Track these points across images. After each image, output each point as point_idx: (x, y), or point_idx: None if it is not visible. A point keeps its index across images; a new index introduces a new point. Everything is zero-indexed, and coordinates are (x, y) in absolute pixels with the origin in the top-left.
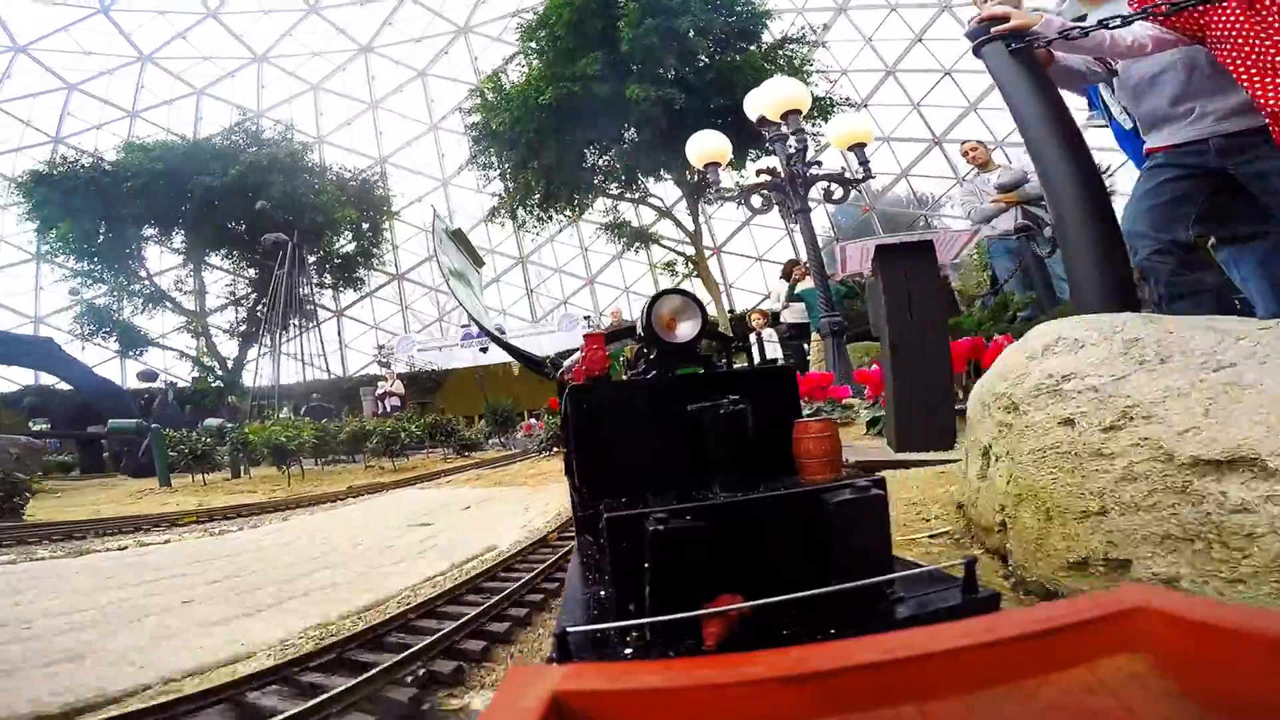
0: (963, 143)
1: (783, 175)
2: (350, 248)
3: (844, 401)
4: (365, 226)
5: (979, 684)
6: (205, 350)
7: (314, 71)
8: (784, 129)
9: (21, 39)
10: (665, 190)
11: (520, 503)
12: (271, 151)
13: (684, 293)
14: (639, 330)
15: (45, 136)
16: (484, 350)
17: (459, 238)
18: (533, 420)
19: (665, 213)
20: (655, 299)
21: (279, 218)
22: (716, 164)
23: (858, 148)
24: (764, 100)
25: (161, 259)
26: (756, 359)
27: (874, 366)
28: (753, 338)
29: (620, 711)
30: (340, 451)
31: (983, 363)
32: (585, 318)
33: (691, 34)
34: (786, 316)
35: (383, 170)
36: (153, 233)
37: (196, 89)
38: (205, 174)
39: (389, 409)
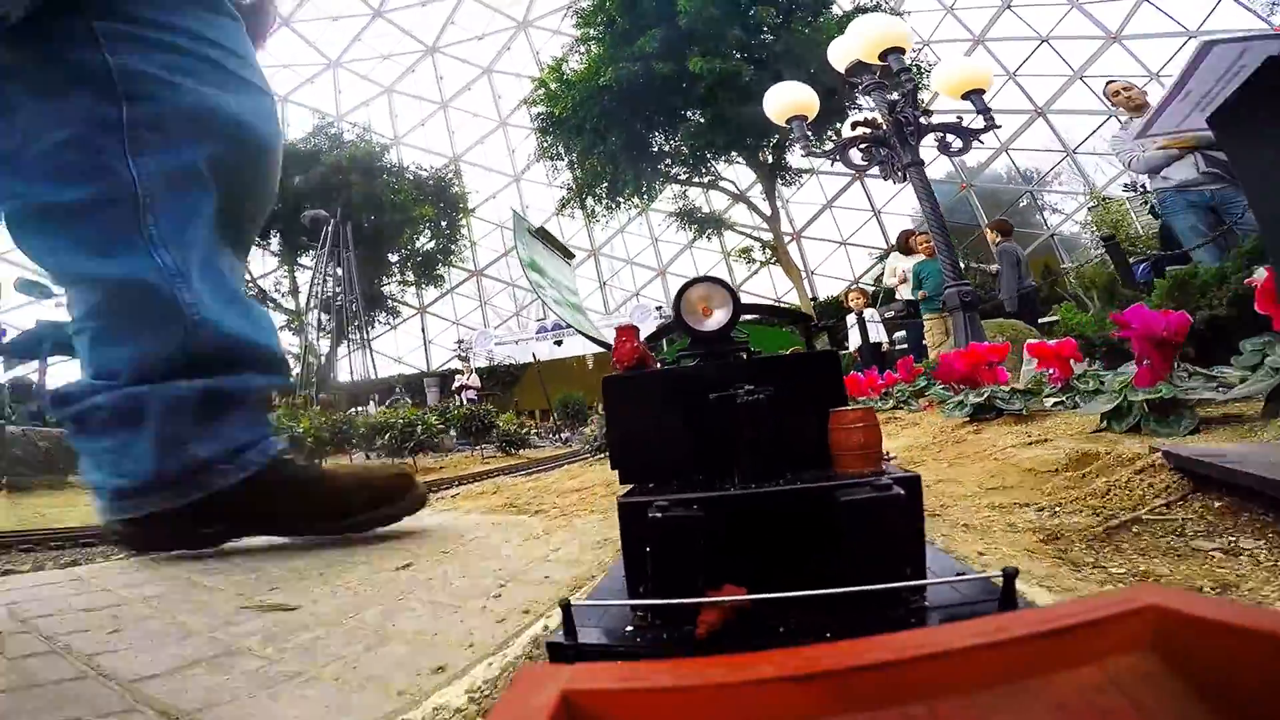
0: (1108, 83)
1: (885, 127)
2: (430, 245)
3: (1013, 385)
4: (444, 224)
5: (988, 682)
6: (304, 347)
7: (386, 74)
8: (884, 73)
9: None
10: (736, 174)
11: (505, 565)
12: (350, 152)
13: (714, 279)
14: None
15: None
16: (559, 344)
17: (543, 235)
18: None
19: (740, 197)
20: (685, 287)
21: (361, 218)
22: (803, 118)
23: (975, 94)
24: (856, 41)
25: (264, 261)
26: (856, 342)
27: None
28: (851, 319)
29: (629, 710)
30: (359, 447)
31: None
32: (657, 308)
33: (754, 6)
34: (904, 292)
35: (456, 168)
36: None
37: (280, 96)
38: (290, 176)
39: (465, 401)
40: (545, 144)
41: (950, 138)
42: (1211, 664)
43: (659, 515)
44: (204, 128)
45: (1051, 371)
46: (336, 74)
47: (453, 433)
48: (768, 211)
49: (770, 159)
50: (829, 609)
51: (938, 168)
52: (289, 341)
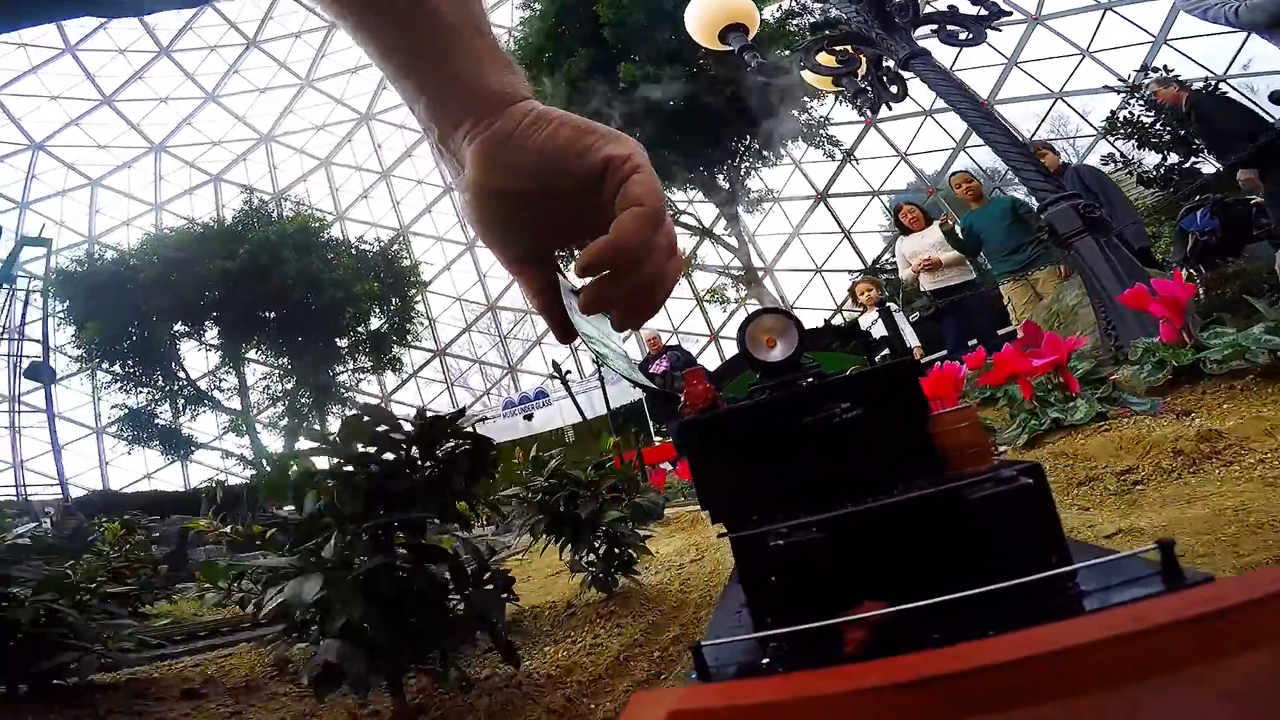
0: None
1: (859, 29)
2: (383, 326)
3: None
4: (394, 300)
5: (1136, 675)
6: (253, 448)
7: (321, 146)
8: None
9: (36, 135)
10: (696, 210)
11: None
12: (281, 226)
13: (778, 310)
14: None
15: (79, 236)
16: (528, 418)
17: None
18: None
19: (706, 232)
20: (748, 320)
21: (299, 295)
22: (742, 28)
23: None
24: None
25: (206, 359)
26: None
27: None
28: (866, 321)
29: None
30: None
31: None
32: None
33: (678, 9)
34: (926, 281)
35: (405, 239)
36: (185, 329)
37: (212, 175)
38: (219, 257)
39: None
40: None
41: (952, 27)
42: None
43: (780, 543)
44: None
45: None
46: (270, 148)
47: None
48: (734, 244)
49: (728, 183)
50: (984, 610)
51: (899, 177)
52: (237, 443)
